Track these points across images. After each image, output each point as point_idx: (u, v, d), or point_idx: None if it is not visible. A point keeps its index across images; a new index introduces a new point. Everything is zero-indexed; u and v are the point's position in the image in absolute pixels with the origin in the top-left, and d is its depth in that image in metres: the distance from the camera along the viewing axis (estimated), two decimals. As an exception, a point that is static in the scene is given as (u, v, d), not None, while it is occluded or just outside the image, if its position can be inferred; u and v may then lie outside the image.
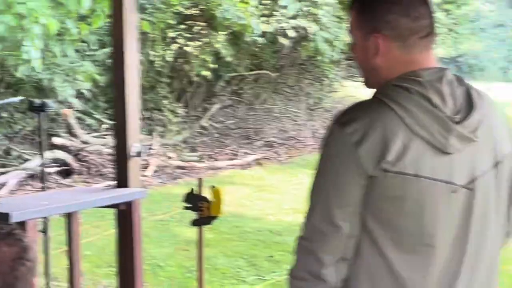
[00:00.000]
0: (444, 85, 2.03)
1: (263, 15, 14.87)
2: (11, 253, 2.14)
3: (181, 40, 13.83)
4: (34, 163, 10.56)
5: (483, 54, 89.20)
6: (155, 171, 11.85)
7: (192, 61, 13.89)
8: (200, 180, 4.74)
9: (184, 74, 14.45)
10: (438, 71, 2.07)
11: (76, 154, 11.62)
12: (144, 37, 11.75)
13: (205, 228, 4.78)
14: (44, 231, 5.31)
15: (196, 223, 4.68)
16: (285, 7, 14.89)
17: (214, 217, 4.65)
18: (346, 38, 13.42)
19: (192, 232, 5.04)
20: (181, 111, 14.44)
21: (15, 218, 4.08)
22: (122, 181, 5.10)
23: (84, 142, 11.97)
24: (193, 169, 12.39)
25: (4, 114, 11.56)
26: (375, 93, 2.09)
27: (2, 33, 9.21)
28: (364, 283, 2.05)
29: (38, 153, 7.48)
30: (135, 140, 5.09)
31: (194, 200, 4.62)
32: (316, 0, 15.54)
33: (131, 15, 5.04)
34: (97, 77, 11.82)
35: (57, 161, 11.15)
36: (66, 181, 10.99)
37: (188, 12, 14.06)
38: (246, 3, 13.58)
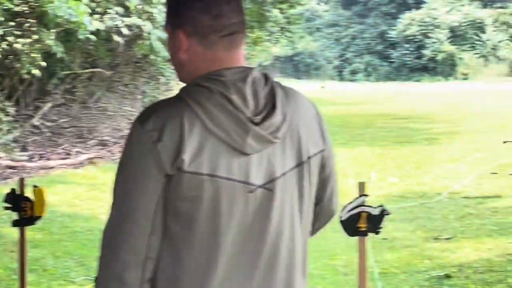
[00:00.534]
0: (247, 85, 2.02)
1: (96, 13, 14.70)
2: None
3: (10, 38, 13.46)
4: None
5: (318, 53, 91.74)
6: (-16, 171, 11.52)
7: (22, 58, 13.55)
8: (21, 180, 4.65)
9: (14, 72, 14.08)
10: (242, 70, 2.04)
11: None
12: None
13: (35, 228, 4.70)
14: None
15: (17, 223, 4.59)
16: (120, 4, 14.76)
17: (37, 217, 4.57)
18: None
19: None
20: (11, 109, 14.06)
21: None
22: None
23: None
24: (24, 168, 12.12)
25: None
26: (179, 91, 2.08)
27: None
28: (163, 284, 2.02)
29: None
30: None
31: (16, 200, 4.53)
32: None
33: None
34: None
35: None
36: None
37: (18, 9, 13.70)
38: (79, 0, 13.37)
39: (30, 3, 13.70)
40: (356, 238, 4.38)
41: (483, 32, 76.03)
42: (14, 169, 12.04)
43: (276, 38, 36.17)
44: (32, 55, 13.44)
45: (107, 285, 2.02)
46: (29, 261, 4.78)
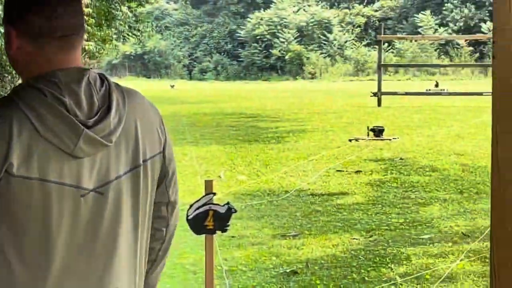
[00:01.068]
0: (82, 87, 1.97)
1: None
2: None
3: None
4: None
5: (168, 52, 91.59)
6: None
7: None
8: None
9: None
10: (77, 72, 2.00)
11: None
12: None
13: None
14: None
15: None
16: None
17: None
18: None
19: None
20: None
21: None
22: None
23: None
24: None
25: None
26: (10, 91, 2.01)
27: None
28: None
29: None
30: None
31: None
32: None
33: None
34: None
35: None
36: None
37: None
38: None
39: None
40: (203, 236, 4.38)
41: (330, 32, 78.06)
42: None
43: (125, 36, 35.90)
44: None
45: None
46: None
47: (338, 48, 76.13)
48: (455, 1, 76.00)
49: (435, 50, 71.08)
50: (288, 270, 6.96)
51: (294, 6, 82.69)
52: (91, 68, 2.08)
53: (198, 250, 7.41)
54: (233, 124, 22.17)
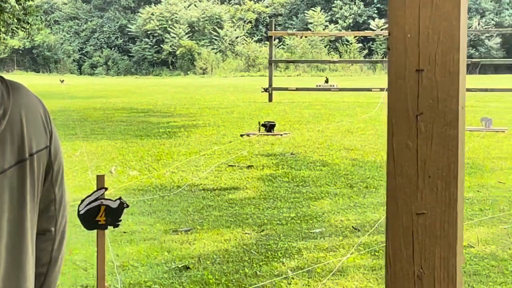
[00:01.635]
0: None
1: None
2: None
3: None
4: None
5: (58, 47, 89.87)
6: None
7: None
8: None
9: None
10: None
11: None
12: None
13: None
14: None
15: None
16: None
17: None
18: None
19: None
20: None
21: None
22: None
23: None
24: None
25: None
26: None
27: None
28: None
29: None
30: None
31: None
32: None
33: None
34: None
35: None
36: None
37: None
38: None
39: None
40: (95, 232, 4.30)
41: (221, 28, 78.28)
42: None
43: (13, 29, 35.07)
44: None
45: None
46: None
47: (229, 44, 76.46)
48: (344, -1, 77.60)
49: (325, 46, 72.32)
50: (180, 266, 6.92)
51: (185, 1, 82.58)
52: None
53: (89, 246, 7.29)
54: (124, 119, 21.94)
